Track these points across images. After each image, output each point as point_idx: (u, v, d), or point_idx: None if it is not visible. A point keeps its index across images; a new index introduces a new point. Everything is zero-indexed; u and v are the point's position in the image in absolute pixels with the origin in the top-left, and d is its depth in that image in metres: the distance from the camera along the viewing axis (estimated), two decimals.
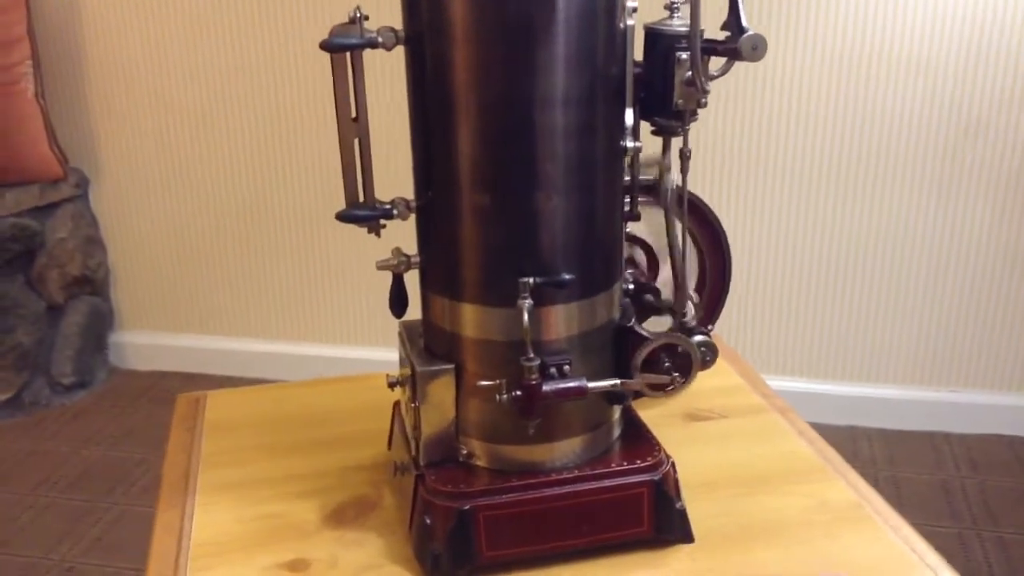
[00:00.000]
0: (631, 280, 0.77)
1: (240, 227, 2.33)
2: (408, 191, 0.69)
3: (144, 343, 2.47)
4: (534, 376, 0.64)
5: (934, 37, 1.91)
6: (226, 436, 0.87)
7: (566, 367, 0.66)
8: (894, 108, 1.97)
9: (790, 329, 2.14)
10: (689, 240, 0.81)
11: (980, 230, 2.03)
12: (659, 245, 0.84)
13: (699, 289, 0.88)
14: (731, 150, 2.03)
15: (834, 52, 1.94)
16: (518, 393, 0.65)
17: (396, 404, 0.80)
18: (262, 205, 2.30)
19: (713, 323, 0.87)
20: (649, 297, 0.78)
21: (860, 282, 2.10)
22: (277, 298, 2.38)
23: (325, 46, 0.61)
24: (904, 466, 2.01)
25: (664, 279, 0.84)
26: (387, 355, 2.31)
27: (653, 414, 0.87)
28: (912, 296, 2.10)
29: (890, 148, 2.00)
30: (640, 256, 0.84)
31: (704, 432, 0.86)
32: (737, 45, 0.63)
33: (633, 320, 0.71)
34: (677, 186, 0.72)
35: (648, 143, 0.70)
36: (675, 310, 0.73)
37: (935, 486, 1.95)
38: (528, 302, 0.64)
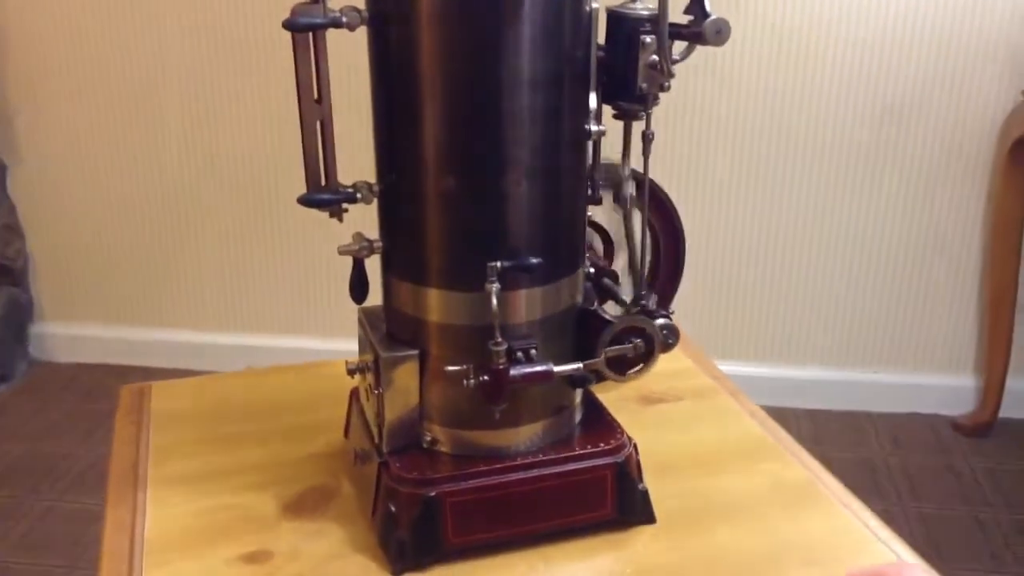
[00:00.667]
0: (590, 264, 0.77)
1: (165, 213, 2.28)
2: (360, 174, 0.68)
3: (65, 334, 2.40)
4: (502, 361, 0.64)
5: (857, 25, 1.95)
6: (175, 428, 0.85)
7: (532, 351, 0.66)
8: (820, 94, 2.01)
9: (716, 312, 2.17)
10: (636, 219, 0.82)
11: (902, 212, 2.09)
12: (615, 230, 0.85)
13: (653, 272, 0.88)
14: (658, 132, 2.05)
15: (757, 37, 1.97)
16: (485, 378, 0.64)
17: (353, 391, 0.79)
18: (188, 190, 2.25)
19: (667, 306, 0.88)
20: (607, 281, 0.78)
21: (783, 266, 2.14)
22: (204, 287, 2.33)
23: (288, 25, 0.60)
24: (830, 445, 2.06)
25: (621, 264, 0.84)
26: (321, 344, 2.28)
27: (608, 398, 0.87)
28: (834, 280, 2.15)
29: (813, 131, 2.04)
30: (597, 242, 0.85)
31: (659, 415, 0.87)
32: (701, 29, 0.64)
33: (596, 303, 0.71)
34: (634, 170, 0.72)
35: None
36: (635, 294, 0.73)
37: (860, 464, 2.01)
38: (496, 286, 0.63)
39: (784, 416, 2.24)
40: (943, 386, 2.19)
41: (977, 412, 2.14)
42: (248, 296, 2.32)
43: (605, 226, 0.86)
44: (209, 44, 2.12)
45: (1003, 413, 2.12)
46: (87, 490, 1.90)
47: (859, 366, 2.21)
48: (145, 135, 2.21)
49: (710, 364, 0.96)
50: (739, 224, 2.11)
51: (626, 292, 0.78)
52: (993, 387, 2.09)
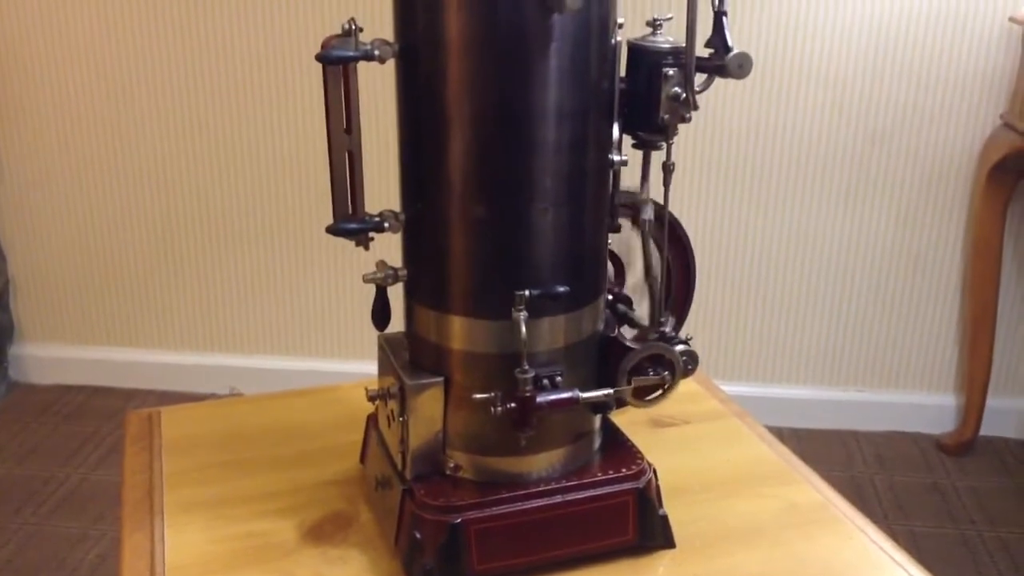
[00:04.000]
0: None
1: (147, 234, 2.26)
2: (380, 202, 0.69)
3: (46, 356, 2.37)
4: (528, 388, 0.65)
5: (840, 51, 1.99)
6: (187, 454, 0.84)
7: (558, 378, 0.67)
8: (803, 119, 2.04)
9: (701, 333, 2.19)
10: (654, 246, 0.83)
11: (885, 236, 2.12)
12: (625, 253, 0.86)
13: (658, 292, 0.89)
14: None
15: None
16: (512, 406, 0.65)
17: (371, 417, 0.80)
18: (172, 211, 2.24)
19: (678, 331, 0.89)
20: (623, 307, 0.79)
21: (770, 286, 2.17)
22: (187, 308, 2.31)
23: (322, 58, 0.60)
24: (816, 464, 2.07)
25: (631, 287, 0.85)
26: (306, 364, 2.27)
27: (620, 421, 0.88)
28: (820, 300, 2.18)
29: (799, 157, 2.07)
30: (608, 266, 0.86)
31: (671, 438, 0.88)
32: (724, 63, 0.65)
33: (615, 330, 0.72)
34: (654, 201, 0.73)
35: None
36: (653, 321, 0.74)
37: (846, 483, 2.03)
38: (524, 315, 0.64)
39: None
40: (926, 404, 2.22)
41: (959, 431, 2.17)
42: (231, 316, 2.31)
43: (615, 250, 0.87)
44: (193, 64, 2.11)
45: (984, 431, 2.15)
46: (71, 513, 1.88)
47: (843, 385, 2.23)
48: (127, 155, 2.20)
49: (715, 387, 0.97)
50: (723, 246, 2.13)
51: (640, 315, 0.79)
52: (974, 406, 2.12)
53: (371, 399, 0.74)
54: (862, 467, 2.09)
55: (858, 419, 2.22)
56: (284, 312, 2.28)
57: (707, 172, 2.07)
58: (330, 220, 0.67)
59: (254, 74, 2.09)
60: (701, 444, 0.87)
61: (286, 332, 2.30)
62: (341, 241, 0.69)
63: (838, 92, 2.01)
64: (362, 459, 0.81)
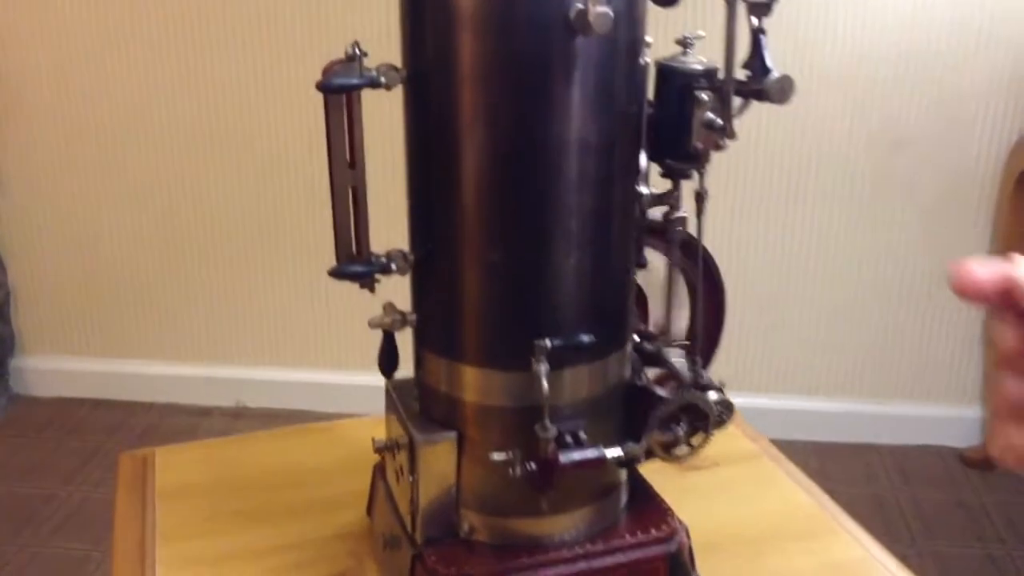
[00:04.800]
0: None
1: (149, 244, 2.21)
2: (386, 237, 0.63)
3: (48, 368, 2.32)
4: (550, 447, 0.59)
5: (863, 56, 1.92)
6: (182, 503, 0.79)
7: (582, 434, 0.61)
8: (824, 125, 1.97)
9: (724, 342, 2.12)
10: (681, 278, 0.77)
11: (908, 245, 2.05)
12: (648, 285, 0.80)
13: (691, 331, 0.83)
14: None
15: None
16: (532, 466, 0.59)
17: (378, 467, 0.74)
18: (175, 221, 2.18)
19: (707, 365, 0.83)
20: (648, 346, 0.73)
21: (790, 295, 2.10)
22: (191, 319, 2.26)
23: (323, 87, 0.54)
24: (838, 480, 2.02)
25: (654, 321, 0.79)
26: (313, 376, 2.22)
27: (646, 465, 0.82)
28: (841, 309, 2.11)
29: (821, 164, 2.00)
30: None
31: (700, 484, 0.82)
32: (764, 86, 0.59)
33: (643, 376, 0.66)
34: (685, 231, 0.67)
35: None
36: (683, 363, 0.68)
37: (869, 500, 1.97)
38: (544, 366, 0.58)
39: (789, 449, 2.19)
40: (950, 417, 2.15)
41: (984, 445, 2.10)
42: (236, 328, 2.26)
43: (640, 281, 0.81)
44: (198, 73, 2.06)
45: None
46: (72, 535, 1.83)
47: (865, 397, 2.17)
48: (130, 166, 2.14)
49: (748, 425, 0.91)
50: (744, 255, 2.07)
51: (666, 354, 0.73)
52: None
53: (378, 451, 0.69)
54: (885, 482, 2.03)
55: (880, 432, 2.16)
56: (290, 323, 2.23)
57: (726, 181, 2.01)
58: None
59: (260, 82, 2.03)
60: (733, 490, 0.81)
61: (292, 344, 2.25)
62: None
63: (860, 99, 1.95)
64: (369, 511, 0.76)
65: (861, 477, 2.04)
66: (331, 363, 2.21)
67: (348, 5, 1.93)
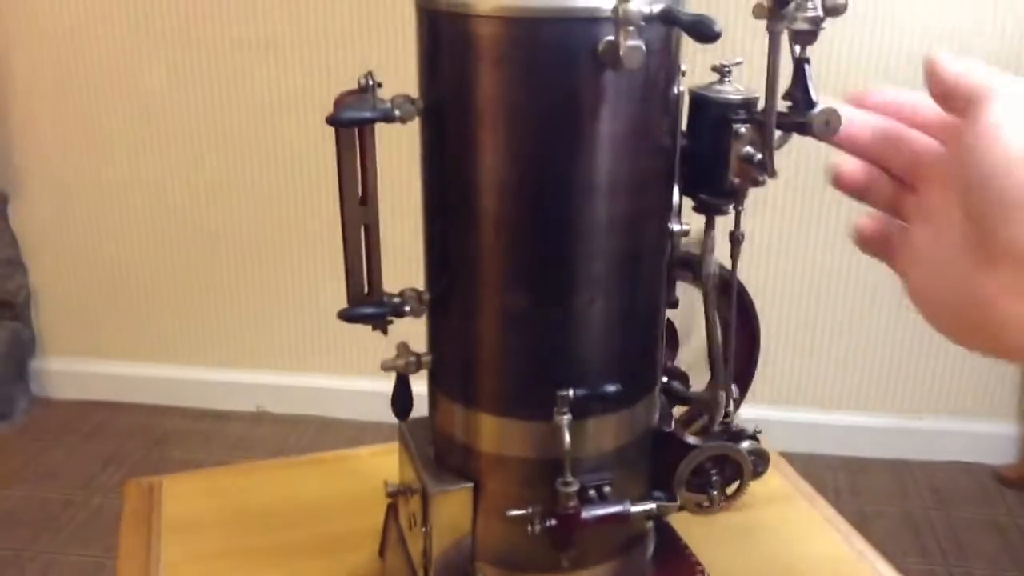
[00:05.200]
0: None
1: (171, 246, 2.19)
2: (399, 273, 0.60)
3: (68, 370, 2.31)
4: (572, 503, 0.55)
5: (911, 57, 1.87)
6: (189, 539, 0.76)
7: (606, 488, 0.57)
8: None
9: None
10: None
11: None
12: (680, 321, 0.76)
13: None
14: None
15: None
16: (553, 522, 0.55)
17: (391, 507, 0.70)
18: (194, 223, 2.16)
19: (737, 408, 0.79)
20: (676, 385, 0.69)
21: (823, 309, 2.05)
22: (212, 322, 2.24)
23: (333, 121, 0.51)
24: (868, 497, 1.97)
25: (685, 358, 0.75)
26: (333, 382, 2.19)
27: None
28: (873, 321, 2.06)
29: None
30: None
31: (729, 528, 0.77)
32: (807, 119, 0.55)
33: (673, 424, 0.63)
34: (720, 270, 0.63)
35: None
36: (713, 411, 0.64)
37: (901, 519, 1.92)
38: (567, 417, 0.54)
39: (818, 464, 2.14)
40: (985, 433, 2.10)
41: (1022, 462, 2.04)
42: (257, 333, 2.24)
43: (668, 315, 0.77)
44: (219, 77, 2.03)
45: None
46: (89, 541, 1.82)
47: (897, 412, 2.11)
48: (151, 168, 2.12)
49: (780, 460, 0.87)
50: (776, 263, 2.02)
51: (696, 393, 0.69)
52: None
53: (390, 496, 0.65)
54: (917, 501, 1.97)
55: (913, 448, 2.10)
56: (311, 329, 2.20)
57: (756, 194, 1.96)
58: None
59: (282, 88, 2.01)
60: (764, 535, 0.77)
61: (313, 349, 2.23)
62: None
63: None
64: (381, 553, 0.72)
65: (892, 495, 1.99)
66: (352, 369, 2.18)
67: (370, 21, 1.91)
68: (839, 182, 0.56)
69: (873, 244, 0.56)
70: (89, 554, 1.78)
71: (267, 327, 2.23)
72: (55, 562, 1.76)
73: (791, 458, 0.90)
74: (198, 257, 2.19)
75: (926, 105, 0.50)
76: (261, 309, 2.21)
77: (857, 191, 0.56)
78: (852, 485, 2.00)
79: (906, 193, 0.53)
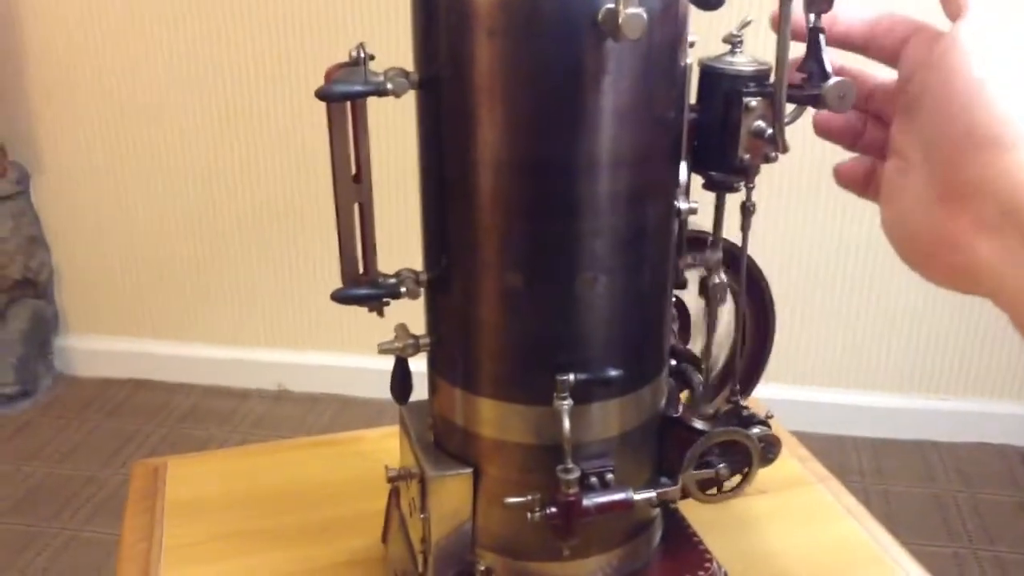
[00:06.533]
0: None
1: (193, 224, 2.19)
2: (398, 254, 0.58)
3: (91, 348, 2.32)
4: (573, 490, 0.53)
5: None
6: (192, 520, 0.75)
7: (608, 475, 0.55)
8: None
9: (777, 336, 2.05)
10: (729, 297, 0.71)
11: None
12: (695, 303, 0.74)
13: (731, 357, 0.77)
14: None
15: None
16: (553, 510, 0.54)
17: (393, 492, 0.69)
18: (217, 202, 2.16)
19: (748, 394, 0.77)
20: (685, 366, 0.67)
21: (849, 289, 2.02)
22: (234, 301, 2.24)
23: (323, 94, 0.49)
24: (894, 478, 1.94)
25: (701, 344, 0.73)
26: (359, 362, 2.19)
27: None
28: (901, 303, 2.02)
29: None
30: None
31: (741, 514, 0.76)
32: (821, 92, 0.52)
33: (680, 408, 0.61)
34: (729, 242, 0.61)
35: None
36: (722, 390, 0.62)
37: (927, 500, 1.89)
38: (567, 403, 0.53)
39: (844, 445, 2.11)
40: (1013, 414, 2.06)
41: None
42: (278, 311, 2.23)
43: (682, 296, 0.75)
44: (238, 53, 2.02)
45: None
46: (109, 519, 1.83)
47: (924, 392, 2.08)
48: (172, 147, 2.12)
49: (797, 444, 0.84)
50: (802, 241, 1.99)
51: (705, 378, 0.67)
52: None
53: (391, 481, 0.64)
54: (944, 482, 1.94)
55: (939, 429, 2.07)
56: (332, 307, 2.19)
57: (777, 167, 1.92)
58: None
59: (300, 62, 1.99)
60: (777, 522, 0.75)
61: (334, 327, 2.22)
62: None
63: None
64: (384, 538, 0.71)
65: (918, 476, 1.96)
66: (373, 348, 2.17)
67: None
68: (819, 128, 0.58)
69: (850, 181, 0.58)
70: (111, 531, 1.79)
71: (289, 305, 2.23)
72: (76, 538, 1.77)
73: (814, 439, 0.88)
74: (219, 236, 2.18)
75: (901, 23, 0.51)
76: (283, 287, 2.21)
77: (845, 138, 0.57)
78: (877, 466, 1.97)
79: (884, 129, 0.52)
